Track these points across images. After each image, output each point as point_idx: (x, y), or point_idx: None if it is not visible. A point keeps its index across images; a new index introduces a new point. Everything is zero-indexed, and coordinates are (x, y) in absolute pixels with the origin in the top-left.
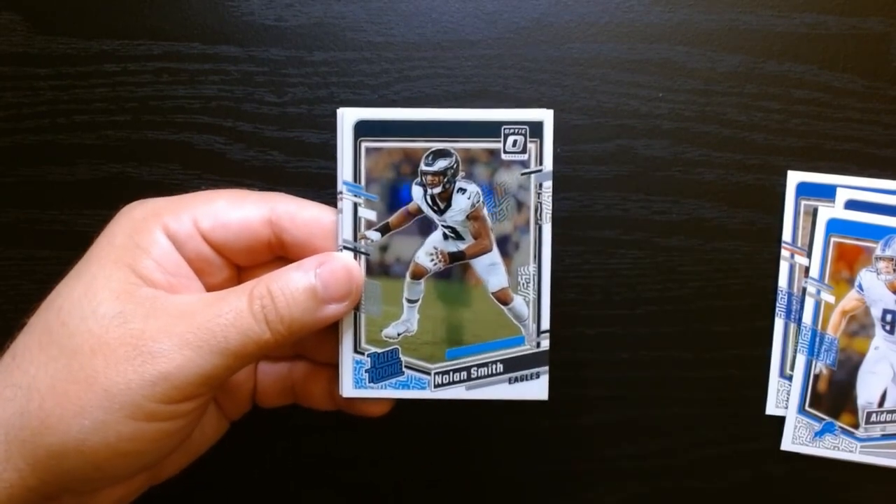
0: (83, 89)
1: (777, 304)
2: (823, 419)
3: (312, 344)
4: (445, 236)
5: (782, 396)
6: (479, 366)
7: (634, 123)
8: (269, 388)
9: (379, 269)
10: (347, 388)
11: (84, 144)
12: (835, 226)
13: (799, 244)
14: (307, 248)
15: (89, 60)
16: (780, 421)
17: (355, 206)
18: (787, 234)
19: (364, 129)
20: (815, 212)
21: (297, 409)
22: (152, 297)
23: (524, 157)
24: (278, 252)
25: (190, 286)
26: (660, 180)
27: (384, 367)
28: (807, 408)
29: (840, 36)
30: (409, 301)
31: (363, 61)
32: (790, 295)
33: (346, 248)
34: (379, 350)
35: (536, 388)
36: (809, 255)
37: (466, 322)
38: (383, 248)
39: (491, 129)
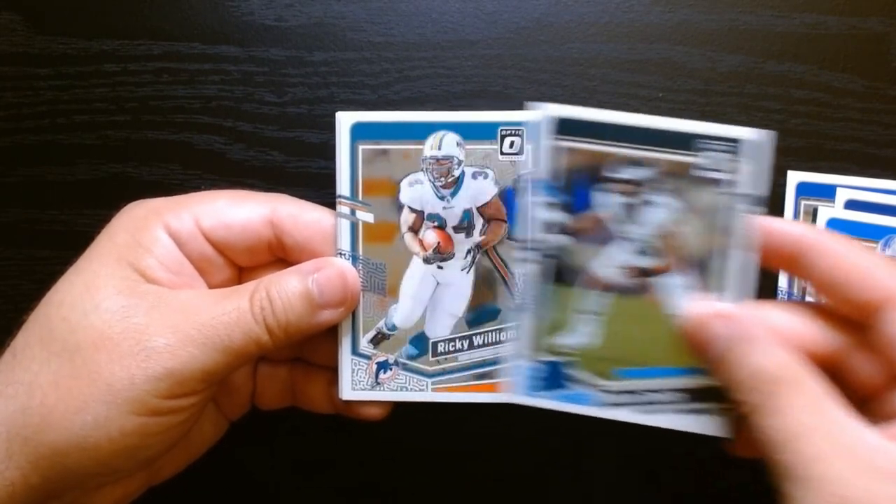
0: (83, 89)
1: None
2: None
3: (311, 346)
4: (633, 250)
5: None
6: (651, 391)
7: None
8: (268, 390)
9: (559, 274)
10: (520, 392)
11: (84, 144)
12: (835, 226)
13: None
14: (307, 250)
15: (89, 60)
16: None
17: (546, 205)
18: None
19: (565, 129)
20: (815, 212)
21: (296, 409)
22: (155, 293)
23: (726, 176)
24: (278, 254)
25: (193, 284)
26: None
27: (553, 377)
28: None
29: (840, 36)
30: (588, 313)
31: (363, 61)
32: (790, 295)
33: (533, 248)
34: (551, 359)
35: (717, 424)
36: None
37: (644, 342)
38: (566, 253)
39: (688, 141)
